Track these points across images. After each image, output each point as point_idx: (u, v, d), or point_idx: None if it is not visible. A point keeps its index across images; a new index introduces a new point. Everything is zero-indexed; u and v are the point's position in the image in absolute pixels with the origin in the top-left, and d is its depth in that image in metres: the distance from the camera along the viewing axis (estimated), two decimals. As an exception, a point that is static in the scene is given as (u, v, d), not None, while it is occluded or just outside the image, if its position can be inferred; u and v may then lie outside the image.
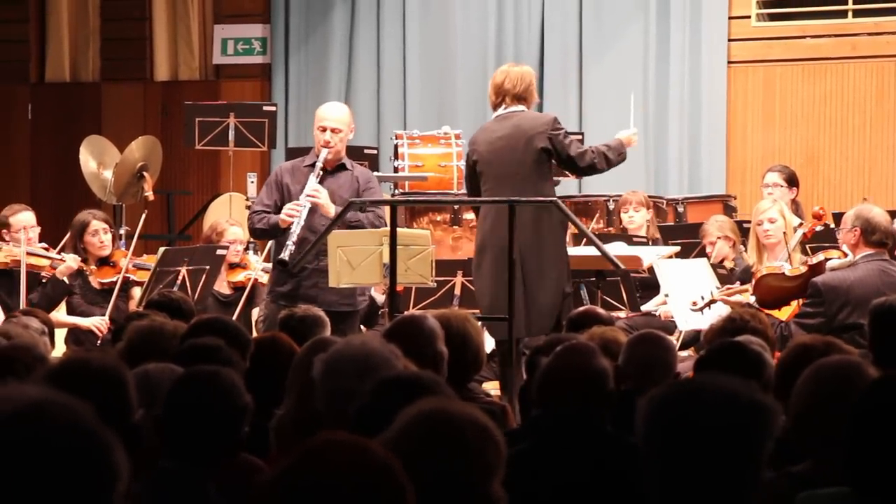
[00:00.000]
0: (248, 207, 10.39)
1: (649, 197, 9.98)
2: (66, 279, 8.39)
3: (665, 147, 12.21)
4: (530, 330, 7.40)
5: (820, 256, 7.41)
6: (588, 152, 7.69)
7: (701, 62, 12.13)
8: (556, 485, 3.93)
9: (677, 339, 7.74)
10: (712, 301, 7.63)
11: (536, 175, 7.61)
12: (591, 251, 7.48)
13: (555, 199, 7.47)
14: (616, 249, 8.00)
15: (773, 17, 12.27)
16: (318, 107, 8.25)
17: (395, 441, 2.66)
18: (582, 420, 4.04)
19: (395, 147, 10.67)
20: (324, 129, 7.82)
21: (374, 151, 11.19)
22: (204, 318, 5.52)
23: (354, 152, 9.03)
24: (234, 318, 7.96)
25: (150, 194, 11.23)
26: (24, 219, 8.60)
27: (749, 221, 8.44)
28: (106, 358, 3.77)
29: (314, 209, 7.67)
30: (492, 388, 7.71)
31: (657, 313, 8.64)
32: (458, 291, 8.73)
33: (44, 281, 8.43)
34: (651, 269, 8.51)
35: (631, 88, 12.06)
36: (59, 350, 7.23)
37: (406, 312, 7.32)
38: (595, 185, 10.70)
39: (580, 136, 10.52)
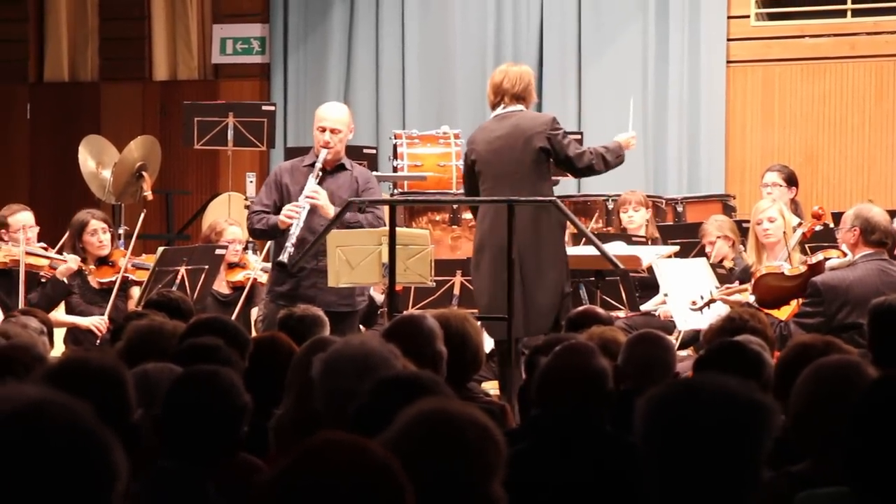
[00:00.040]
0: (246, 207, 10.38)
1: (648, 196, 9.98)
2: (65, 280, 8.39)
3: (664, 147, 12.21)
4: (528, 330, 7.40)
5: (819, 256, 7.41)
6: (586, 153, 7.69)
7: (700, 62, 12.13)
8: (555, 485, 3.92)
9: (676, 339, 7.74)
10: (711, 301, 7.63)
11: (535, 175, 7.60)
12: (591, 251, 7.48)
13: (554, 198, 7.47)
14: (615, 249, 8.00)
15: (772, 17, 12.27)
16: (317, 106, 8.25)
17: (395, 441, 2.66)
18: (581, 420, 4.04)
19: (394, 147, 10.66)
20: (323, 130, 7.81)
21: (373, 151, 11.19)
22: (203, 317, 5.52)
23: (353, 152, 9.03)
24: (234, 317, 7.95)
25: (148, 194, 11.23)
26: (23, 219, 8.60)
27: (748, 221, 8.44)
28: (105, 358, 3.77)
29: (313, 210, 7.66)
30: (491, 387, 7.71)
31: (656, 313, 8.64)
32: (457, 291, 8.73)
33: (43, 281, 8.43)
34: (650, 269, 8.51)
35: (630, 88, 12.10)
36: (58, 350, 7.23)
37: (405, 312, 7.32)
38: (594, 185, 10.70)
39: (579, 136, 10.52)
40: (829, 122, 11.92)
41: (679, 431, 2.59)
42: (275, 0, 13.30)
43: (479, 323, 5.70)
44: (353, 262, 7.37)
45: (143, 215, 9.20)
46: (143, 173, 11.31)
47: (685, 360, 6.62)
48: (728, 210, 10.50)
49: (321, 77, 13.07)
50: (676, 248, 8.84)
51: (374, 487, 2.12)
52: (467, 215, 10.23)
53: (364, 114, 12.52)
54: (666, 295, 8.38)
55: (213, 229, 9.09)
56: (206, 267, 8.34)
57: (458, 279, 8.72)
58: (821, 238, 8.16)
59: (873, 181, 11.78)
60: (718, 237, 8.84)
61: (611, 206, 10.36)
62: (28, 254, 8.37)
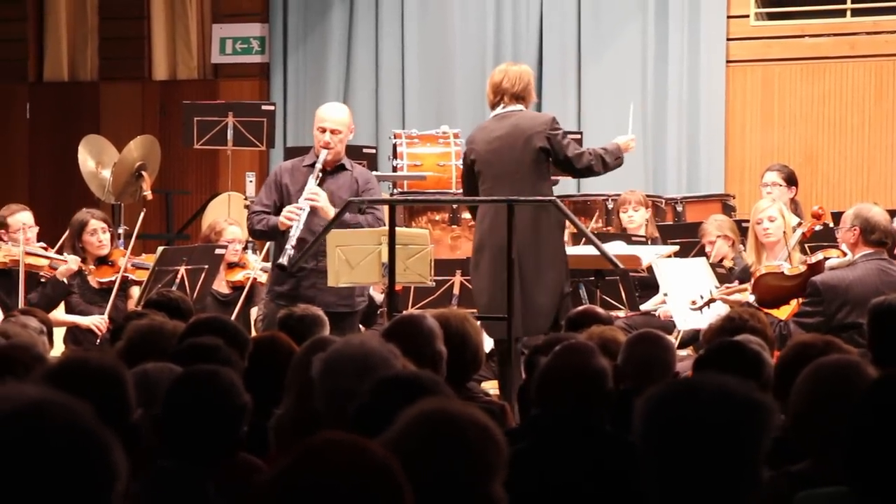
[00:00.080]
0: (246, 207, 10.38)
1: (648, 196, 9.98)
2: (65, 280, 8.39)
3: (664, 146, 12.21)
4: (527, 329, 7.39)
5: (819, 255, 7.42)
6: (585, 154, 7.69)
7: (699, 61, 12.13)
8: (555, 484, 3.92)
9: (675, 339, 7.74)
10: (711, 300, 7.63)
11: (535, 175, 7.60)
12: (590, 250, 7.48)
13: (553, 198, 7.47)
14: (615, 249, 8.00)
15: (771, 17, 12.27)
16: (316, 106, 8.24)
17: (395, 441, 2.66)
18: (581, 419, 4.04)
19: (394, 146, 10.67)
20: (323, 130, 7.80)
21: (373, 151, 11.18)
22: (202, 317, 5.52)
23: (353, 152, 9.02)
24: (233, 317, 7.96)
25: (148, 193, 11.23)
26: (22, 218, 8.60)
27: (748, 221, 8.44)
28: (104, 357, 3.77)
29: (314, 211, 7.65)
30: (490, 387, 7.70)
31: (656, 313, 8.64)
32: (456, 291, 8.73)
33: (43, 281, 8.43)
34: (650, 269, 8.51)
35: (629, 88, 12.11)
36: (57, 349, 7.23)
37: (405, 312, 7.31)
38: (594, 185, 10.70)
39: (579, 136, 10.53)
40: (829, 121, 11.92)
41: (678, 431, 2.59)
42: (274, 0, 13.30)
43: (478, 323, 5.69)
44: (353, 262, 7.37)
45: (142, 215, 9.20)
46: (143, 173, 11.31)
47: (685, 360, 6.62)
48: (728, 210, 10.50)
49: (321, 77, 13.08)
50: (676, 247, 8.84)
51: (373, 487, 2.12)
52: (467, 215, 10.23)
53: (363, 113, 12.52)
54: (666, 294, 8.38)
55: (212, 229, 9.09)
56: (206, 267, 8.34)
57: (457, 279, 8.72)
58: (820, 238, 8.16)
59: (873, 181, 11.78)
60: (718, 237, 8.85)
61: (610, 205, 10.36)
62: (28, 254, 8.37)
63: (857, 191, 11.60)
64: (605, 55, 12.36)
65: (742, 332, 5.16)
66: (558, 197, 7.98)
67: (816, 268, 7.29)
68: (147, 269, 8.36)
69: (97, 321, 8.36)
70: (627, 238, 9.04)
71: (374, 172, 9.59)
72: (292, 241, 7.53)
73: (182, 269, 8.22)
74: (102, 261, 8.61)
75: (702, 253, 8.83)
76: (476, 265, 7.68)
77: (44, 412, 1.99)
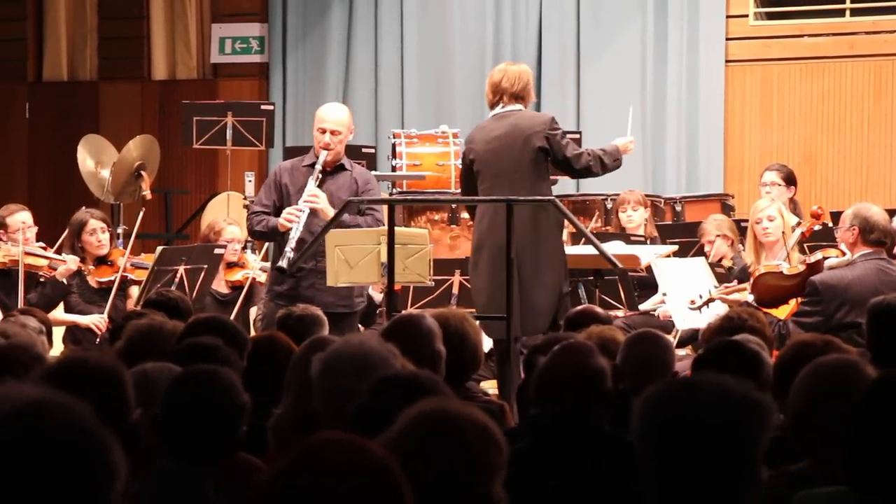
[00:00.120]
0: (245, 207, 10.38)
1: (647, 196, 9.98)
2: (65, 280, 8.39)
3: (663, 146, 12.21)
4: (526, 329, 7.39)
5: (818, 255, 7.42)
6: (584, 155, 7.69)
7: (698, 61, 12.13)
8: (554, 484, 3.92)
9: (674, 338, 7.74)
10: (710, 300, 7.63)
11: (534, 174, 7.60)
12: (589, 250, 7.48)
13: (552, 197, 7.47)
14: (614, 248, 8.00)
15: (770, 16, 12.27)
16: (316, 106, 8.24)
17: (396, 441, 2.66)
18: (580, 419, 4.04)
19: (393, 146, 10.66)
20: (323, 131, 7.79)
21: (372, 150, 11.18)
22: (202, 317, 5.52)
23: (352, 151, 9.02)
24: (232, 317, 7.96)
25: (147, 193, 11.22)
26: (21, 218, 8.60)
27: (747, 220, 8.44)
28: (104, 357, 3.77)
29: (314, 213, 7.64)
30: (490, 387, 7.70)
31: (655, 313, 8.64)
32: (455, 290, 8.73)
33: (42, 281, 8.43)
34: (649, 268, 8.51)
35: (629, 87, 12.11)
36: (57, 349, 7.23)
37: (404, 311, 7.31)
38: (593, 184, 10.69)
39: (578, 136, 10.53)
40: (828, 121, 11.93)
41: (675, 429, 2.59)
42: (273, 0, 13.30)
43: (477, 322, 5.69)
44: (352, 262, 7.37)
45: (141, 215, 9.20)
46: (142, 173, 11.31)
47: (684, 360, 6.62)
48: (727, 209, 10.50)
49: (320, 76, 13.07)
50: (675, 247, 8.84)
51: (372, 487, 2.12)
52: (466, 214, 10.22)
53: (363, 113, 12.51)
54: (665, 294, 8.38)
55: (211, 229, 9.09)
56: (205, 266, 8.34)
57: (456, 278, 8.72)
58: (820, 237, 8.16)
59: (872, 180, 11.78)
60: (717, 236, 8.85)
61: (609, 205, 10.37)
62: (27, 254, 8.37)
63: (856, 190, 11.60)
64: (605, 55, 12.37)
65: (741, 331, 5.16)
66: (557, 196, 7.97)
67: (815, 267, 7.30)
68: (146, 268, 8.36)
69: (97, 320, 8.37)
70: (626, 238, 9.04)
71: (374, 172, 9.59)
72: (292, 243, 7.52)
73: (181, 269, 8.22)
74: (102, 260, 8.61)
75: (701, 253, 8.83)
76: (475, 265, 7.68)
77: (43, 412, 1.99)
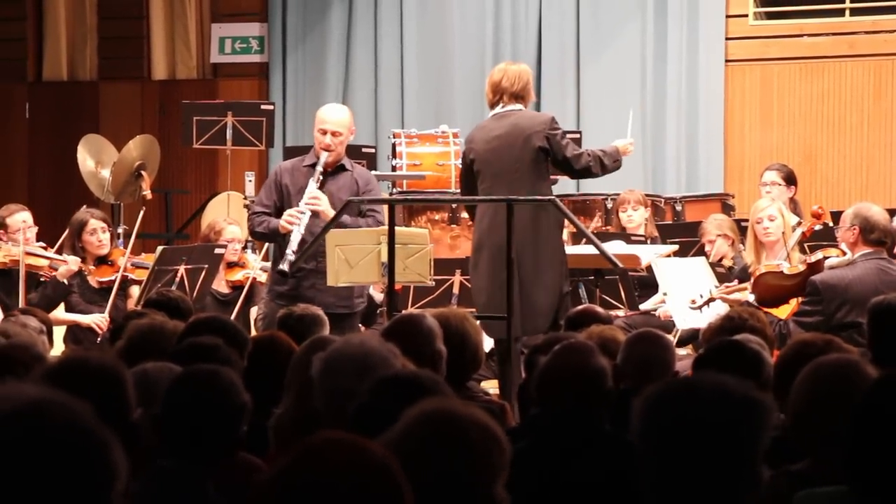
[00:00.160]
0: (246, 206, 10.38)
1: (647, 196, 9.98)
2: (66, 281, 8.39)
3: (663, 146, 12.21)
4: (526, 329, 7.39)
5: (819, 255, 7.42)
6: (584, 155, 7.69)
7: (698, 61, 12.13)
8: (554, 483, 3.92)
9: (674, 337, 7.74)
10: (711, 299, 7.63)
11: (534, 174, 7.60)
12: (590, 250, 7.48)
13: (552, 197, 7.47)
14: (614, 248, 8.00)
15: (770, 16, 12.27)
16: (316, 105, 8.24)
17: (397, 441, 2.66)
18: (580, 419, 4.04)
19: (393, 146, 10.66)
20: (324, 132, 7.78)
21: (372, 150, 11.18)
22: (202, 316, 5.52)
23: (352, 151, 9.02)
24: (233, 316, 7.96)
25: (147, 193, 11.22)
26: (22, 218, 8.60)
27: (747, 220, 8.44)
28: (104, 357, 3.77)
29: (315, 214, 7.63)
30: (490, 386, 7.70)
31: (656, 313, 8.64)
32: (456, 290, 8.73)
33: (43, 281, 8.43)
34: (649, 268, 8.51)
35: (628, 87, 12.12)
36: (57, 349, 7.23)
37: (404, 311, 7.31)
38: (593, 184, 10.69)
39: (578, 135, 10.53)
40: (828, 121, 11.93)
41: (675, 429, 2.59)
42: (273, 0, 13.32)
43: (478, 322, 5.69)
44: (353, 262, 7.37)
45: (141, 214, 9.20)
46: (142, 172, 11.31)
47: (684, 360, 6.62)
48: (727, 209, 10.50)
49: (320, 76, 13.07)
50: (675, 247, 8.84)
51: (372, 487, 2.12)
52: (465, 214, 10.22)
53: (363, 113, 12.51)
54: (665, 294, 8.38)
55: (212, 228, 9.09)
56: (206, 266, 8.34)
57: (457, 278, 8.72)
58: (820, 237, 8.16)
59: (872, 180, 11.78)
60: (718, 236, 8.85)
61: (610, 205, 10.36)
62: (28, 254, 8.37)
63: (856, 190, 11.60)
64: (604, 54, 12.37)
65: (741, 331, 5.16)
66: (557, 196, 7.97)
67: (816, 267, 7.29)
68: (147, 268, 8.36)
69: (98, 319, 8.37)
70: (627, 237, 9.04)
71: (374, 172, 9.59)
72: (293, 245, 7.51)
73: (182, 269, 8.22)
74: (102, 260, 8.61)
75: (701, 252, 8.83)
76: (475, 265, 7.68)
77: (43, 412, 1.99)
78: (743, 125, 12.16)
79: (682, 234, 9.41)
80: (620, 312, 8.58)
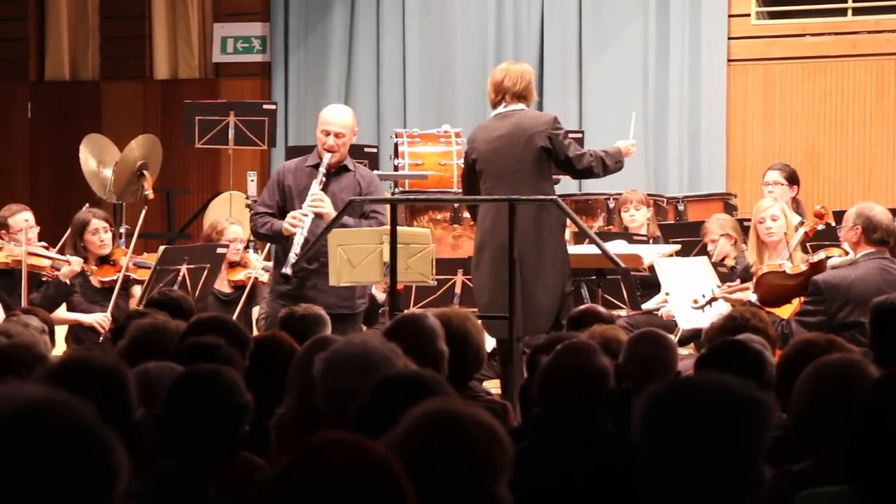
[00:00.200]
0: (248, 206, 10.38)
1: (649, 195, 9.98)
2: (67, 281, 8.39)
3: (665, 145, 12.21)
4: (528, 329, 7.39)
5: (821, 254, 7.41)
6: (586, 155, 7.69)
7: (701, 60, 12.13)
8: (556, 483, 3.92)
9: (675, 336, 7.73)
10: (713, 299, 7.62)
11: (536, 174, 7.60)
12: (592, 249, 7.48)
13: (555, 197, 7.46)
14: (616, 248, 8.00)
15: (772, 16, 12.26)
16: (318, 105, 8.24)
17: (400, 441, 2.66)
18: (582, 418, 4.04)
19: (395, 145, 10.66)
20: (327, 134, 7.78)
21: (374, 150, 11.18)
22: (204, 316, 5.52)
23: (354, 151, 9.01)
24: (235, 316, 7.96)
25: (149, 193, 11.22)
26: (24, 218, 8.60)
27: (749, 220, 8.44)
28: (106, 357, 3.77)
29: (318, 216, 7.63)
30: (492, 386, 7.70)
31: (658, 312, 8.64)
32: (458, 290, 8.73)
33: (45, 281, 8.42)
34: (651, 268, 8.51)
35: (631, 86, 12.12)
36: (59, 349, 7.22)
37: (406, 311, 7.31)
38: (595, 184, 10.69)
39: (580, 134, 10.53)
40: (830, 120, 11.92)
41: (676, 428, 2.59)
42: (275, -1, 13.32)
43: (480, 322, 5.69)
44: (355, 261, 7.37)
45: (143, 214, 9.20)
46: (144, 172, 11.31)
47: (685, 359, 6.61)
48: (729, 209, 10.50)
49: (322, 76, 13.08)
50: (678, 246, 8.84)
51: (374, 487, 2.11)
52: (467, 214, 10.22)
53: (365, 112, 12.51)
54: (667, 294, 8.37)
55: (214, 228, 9.09)
56: (208, 266, 8.34)
57: (459, 278, 8.72)
58: (823, 237, 8.16)
59: (874, 179, 11.78)
60: (721, 235, 8.85)
61: (612, 204, 10.36)
62: (30, 254, 8.37)
63: (859, 189, 11.60)
64: (607, 54, 12.36)
65: (744, 331, 5.16)
66: (560, 196, 7.97)
67: (818, 266, 7.29)
68: (149, 268, 8.36)
69: (100, 318, 8.37)
70: (629, 237, 9.04)
71: (376, 171, 9.58)
72: (296, 248, 7.50)
73: (184, 269, 8.22)
74: (104, 260, 8.61)
75: (703, 252, 8.83)
76: (477, 264, 7.68)
77: (45, 411, 1.99)
78: (745, 125, 12.16)
79: (684, 233, 9.41)
80: (622, 312, 8.57)
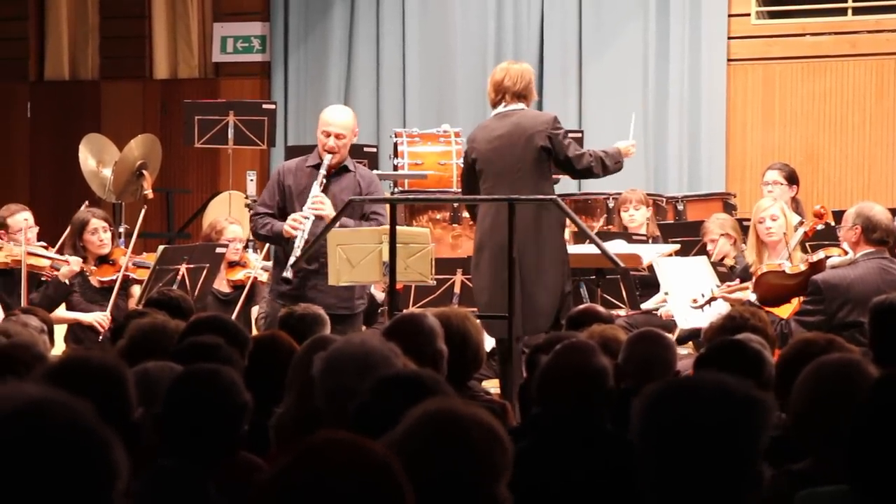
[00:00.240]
0: (247, 206, 10.38)
1: (649, 195, 9.98)
2: (67, 281, 8.39)
3: (665, 145, 12.21)
4: (527, 328, 7.39)
5: (820, 254, 7.41)
6: (586, 155, 7.69)
7: (700, 60, 12.13)
8: (555, 483, 3.92)
9: (674, 335, 7.73)
10: (712, 299, 7.62)
11: (536, 173, 7.60)
12: (591, 249, 7.48)
13: (554, 196, 7.46)
14: (616, 247, 8.00)
15: (772, 15, 12.26)
16: (318, 105, 8.24)
17: (400, 441, 2.66)
18: (582, 418, 4.04)
19: (395, 145, 10.66)
20: (328, 135, 7.77)
21: (374, 149, 11.18)
22: (203, 316, 5.52)
23: (354, 150, 9.01)
24: (234, 316, 7.96)
25: (149, 192, 11.23)
26: (23, 218, 8.60)
27: (749, 219, 8.44)
28: (105, 356, 3.76)
29: (319, 217, 7.62)
30: (491, 386, 7.70)
31: (658, 312, 8.64)
32: (457, 290, 8.73)
33: (44, 280, 8.42)
34: (651, 268, 8.51)
35: (630, 86, 12.12)
36: (58, 348, 7.22)
37: (406, 311, 7.31)
38: (595, 184, 10.68)
39: (580, 134, 10.53)
40: (830, 120, 11.92)
41: (674, 428, 2.59)
42: (275, -2, 13.32)
43: (479, 321, 5.69)
44: (354, 261, 7.37)
45: (143, 214, 9.20)
46: (144, 172, 11.32)
47: (685, 359, 6.61)
48: (729, 208, 10.50)
49: (322, 75, 13.08)
50: (677, 246, 8.84)
51: (373, 486, 2.11)
52: (466, 214, 10.22)
53: (365, 112, 12.51)
54: (667, 293, 8.37)
55: (213, 228, 9.09)
56: (207, 265, 8.34)
57: (458, 278, 8.72)
58: (822, 237, 8.16)
59: (874, 179, 11.78)
60: (721, 235, 8.86)
61: (611, 204, 10.36)
62: (29, 254, 8.36)
63: (858, 189, 11.60)
64: (607, 53, 12.37)
65: (743, 330, 5.16)
66: (559, 195, 7.97)
67: (818, 266, 7.29)
68: (148, 267, 8.36)
69: (99, 317, 8.37)
70: (628, 237, 9.04)
71: (375, 171, 9.58)
72: (297, 251, 7.50)
73: (183, 268, 8.22)
74: (103, 260, 8.61)
75: (703, 252, 8.83)
76: (476, 264, 7.68)
77: (45, 411, 1.99)
78: (745, 124, 12.16)
79: (683, 233, 9.41)
80: (622, 312, 8.57)
